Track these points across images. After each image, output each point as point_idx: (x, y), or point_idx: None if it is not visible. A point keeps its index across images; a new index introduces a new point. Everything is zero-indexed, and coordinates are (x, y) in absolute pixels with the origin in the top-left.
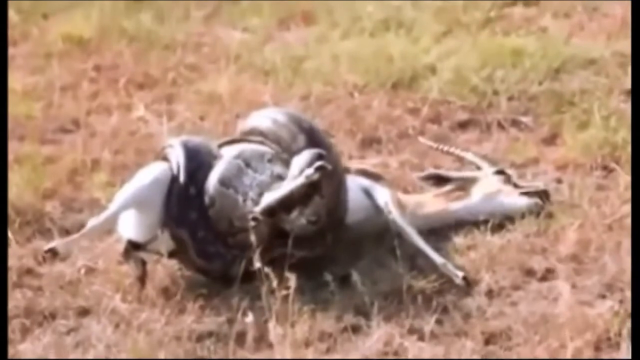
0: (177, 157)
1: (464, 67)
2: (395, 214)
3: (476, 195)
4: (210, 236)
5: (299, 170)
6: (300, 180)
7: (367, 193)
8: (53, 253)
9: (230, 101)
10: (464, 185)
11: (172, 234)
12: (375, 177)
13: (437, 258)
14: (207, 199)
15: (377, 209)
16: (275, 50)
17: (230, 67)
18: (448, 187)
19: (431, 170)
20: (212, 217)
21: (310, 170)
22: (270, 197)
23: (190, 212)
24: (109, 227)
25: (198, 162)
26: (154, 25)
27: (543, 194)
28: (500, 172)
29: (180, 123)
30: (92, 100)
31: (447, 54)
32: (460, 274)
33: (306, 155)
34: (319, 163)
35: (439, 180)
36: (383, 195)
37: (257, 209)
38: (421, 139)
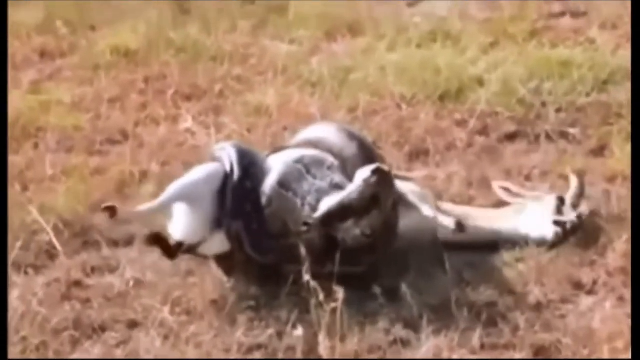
0: (230, 156)
1: (512, 78)
2: (415, 200)
3: (524, 217)
4: (264, 231)
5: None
6: (359, 183)
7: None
8: (111, 212)
9: (278, 113)
10: (522, 205)
11: (226, 228)
12: (408, 179)
13: (429, 211)
14: (264, 199)
15: (407, 207)
16: (322, 61)
17: (277, 78)
18: (511, 204)
19: (504, 184)
20: (267, 216)
21: (367, 173)
22: (329, 202)
23: (245, 204)
24: (156, 215)
25: (250, 159)
26: (201, 36)
27: (573, 227)
28: (560, 199)
29: (228, 135)
30: (139, 111)
31: (494, 66)
32: (453, 220)
33: (367, 168)
34: (375, 165)
35: (510, 194)
36: (411, 190)
37: (316, 215)
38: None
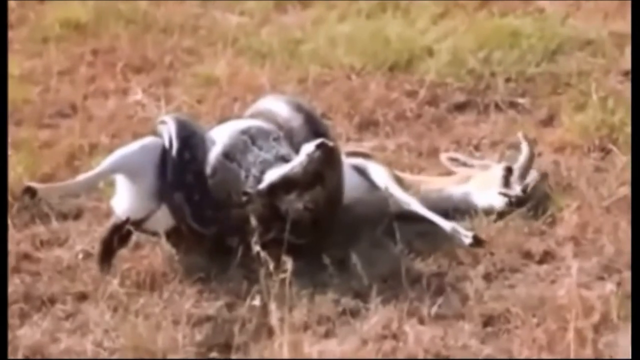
0: (169, 129)
1: (461, 48)
2: (392, 187)
3: (472, 185)
4: (206, 201)
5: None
6: (302, 157)
7: (360, 171)
8: (31, 193)
9: (228, 84)
10: (471, 173)
11: (168, 201)
12: (365, 157)
13: (445, 223)
14: (208, 169)
15: (371, 186)
16: (272, 33)
17: (227, 50)
18: (460, 172)
19: (453, 154)
20: (210, 187)
21: (311, 147)
22: (272, 175)
23: (185, 175)
24: (92, 186)
25: (190, 130)
26: (150, 8)
27: (518, 201)
28: (507, 169)
29: (178, 106)
30: (89, 84)
31: (444, 36)
32: (470, 233)
33: (312, 143)
34: (319, 140)
35: (458, 164)
36: (377, 171)
37: (260, 186)
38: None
